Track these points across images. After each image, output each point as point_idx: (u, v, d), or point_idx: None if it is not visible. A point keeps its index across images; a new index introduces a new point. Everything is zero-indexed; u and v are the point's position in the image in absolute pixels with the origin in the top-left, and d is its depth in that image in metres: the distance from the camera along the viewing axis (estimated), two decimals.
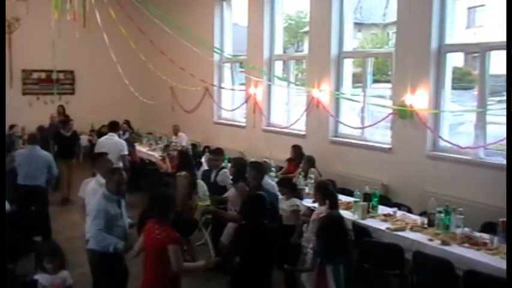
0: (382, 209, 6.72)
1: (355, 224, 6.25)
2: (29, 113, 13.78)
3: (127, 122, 13.39)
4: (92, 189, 5.88)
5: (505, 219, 5.29)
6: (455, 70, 8.49)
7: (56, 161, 8.90)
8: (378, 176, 8.44)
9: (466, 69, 9.94)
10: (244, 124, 12.29)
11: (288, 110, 11.26)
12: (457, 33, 8.07)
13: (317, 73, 9.96)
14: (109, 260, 5.11)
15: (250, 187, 6.46)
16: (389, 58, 9.02)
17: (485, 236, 5.57)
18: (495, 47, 7.14)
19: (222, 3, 13.21)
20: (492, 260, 5.02)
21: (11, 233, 6.17)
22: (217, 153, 8.25)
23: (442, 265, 5.12)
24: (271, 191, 6.49)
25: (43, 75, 15.33)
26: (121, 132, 11.07)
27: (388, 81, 9.65)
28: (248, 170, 6.76)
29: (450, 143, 7.69)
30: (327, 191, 5.93)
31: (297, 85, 11.65)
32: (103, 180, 5.63)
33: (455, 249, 5.34)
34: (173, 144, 11.63)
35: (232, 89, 12.95)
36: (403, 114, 8.16)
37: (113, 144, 9.17)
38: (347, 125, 9.59)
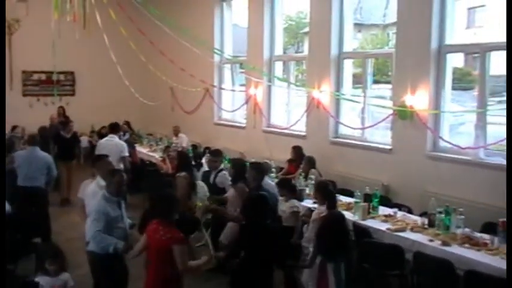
0: (383, 210, 6.72)
1: (355, 225, 6.24)
2: (29, 115, 13.77)
3: (127, 123, 13.41)
4: (92, 191, 5.88)
5: (505, 219, 5.30)
6: (456, 70, 8.49)
7: (56, 163, 8.89)
8: (378, 177, 8.43)
9: (466, 69, 9.94)
10: (244, 125, 12.29)
11: (288, 110, 11.26)
12: (457, 33, 8.07)
13: (317, 74, 9.96)
14: (109, 261, 5.11)
15: (250, 188, 6.45)
16: (390, 59, 9.02)
17: (486, 236, 5.57)
18: (495, 47, 7.14)
19: (222, 4, 13.22)
20: (492, 261, 5.02)
21: (11, 234, 6.17)
22: (215, 154, 8.24)
23: (442, 265, 5.12)
24: (271, 192, 6.48)
25: (43, 77, 15.32)
26: (121, 133, 11.07)
27: (388, 82, 9.66)
28: (248, 171, 6.76)
29: (450, 143, 7.68)
30: (326, 191, 5.93)
31: (297, 86, 11.65)
32: (103, 183, 5.63)
33: (455, 249, 5.34)
34: (173, 145, 11.63)
35: (233, 90, 12.95)
36: (403, 115, 8.16)
37: (113, 145, 9.17)
38: (347, 126, 9.59)
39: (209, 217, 7.32)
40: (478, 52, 7.54)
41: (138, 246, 4.97)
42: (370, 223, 6.29)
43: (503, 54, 6.52)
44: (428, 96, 7.88)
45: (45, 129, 11.80)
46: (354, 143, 9.34)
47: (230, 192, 6.78)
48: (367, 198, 6.77)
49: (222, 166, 8.20)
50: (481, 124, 7.35)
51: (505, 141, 5.92)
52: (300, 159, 8.92)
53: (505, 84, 5.15)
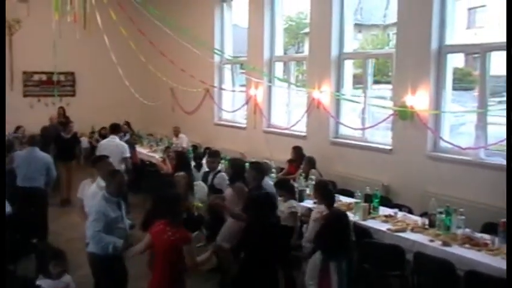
0: (383, 210, 6.72)
1: (356, 225, 6.22)
2: (29, 115, 13.77)
3: (127, 124, 13.40)
4: (92, 192, 5.88)
5: (505, 219, 5.29)
6: (456, 71, 8.49)
7: (55, 163, 8.89)
8: (378, 177, 8.43)
9: (466, 69, 9.95)
10: (244, 125, 12.29)
11: (289, 111, 11.26)
12: (457, 34, 8.07)
13: (317, 74, 9.96)
14: (108, 262, 5.11)
15: (250, 188, 6.44)
16: (390, 59, 9.01)
17: (486, 236, 5.57)
18: (496, 47, 7.13)
19: (222, 5, 13.21)
20: (493, 261, 5.01)
21: (11, 234, 6.16)
22: (213, 155, 8.22)
23: (443, 266, 5.12)
24: (271, 192, 6.47)
25: (44, 77, 15.33)
26: (122, 134, 11.06)
27: (388, 82, 9.66)
28: (248, 171, 6.75)
29: (451, 143, 7.67)
30: (325, 191, 5.94)
31: (297, 86, 11.64)
32: (104, 184, 5.62)
33: (456, 250, 5.33)
34: (174, 145, 11.63)
35: (233, 90, 12.95)
36: (403, 115, 8.15)
37: (114, 146, 9.17)
38: (348, 126, 9.58)
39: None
40: (478, 52, 7.53)
41: (140, 245, 4.97)
42: (370, 223, 6.28)
43: (503, 54, 6.49)
44: (429, 97, 7.87)
45: (47, 129, 11.83)
46: (354, 144, 9.33)
47: (228, 191, 6.74)
48: (368, 198, 6.76)
49: (220, 167, 8.19)
50: (482, 124, 7.34)
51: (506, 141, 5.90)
52: (300, 159, 8.92)
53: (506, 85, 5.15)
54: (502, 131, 6.85)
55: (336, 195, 6.91)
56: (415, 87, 8.00)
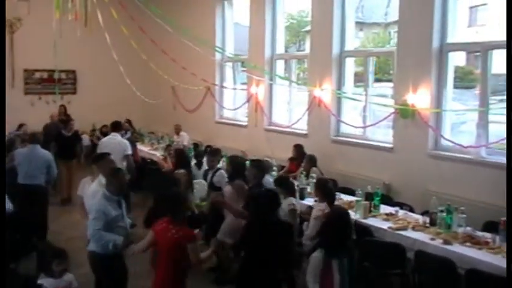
0: (384, 208, 6.72)
1: (357, 223, 6.23)
2: (30, 113, 13.73)
3: (129, 122, 13.41)
4: (93, 190, 5.85)
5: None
6: (457, 69, 8.48)
7: (56, 161, 8.88)
8: (379, 175, 8.43)
9: (467, 68, 9.94)
10: (246, 123, 12.29)
11: (290, 109, 11.26)
12: (458, 32, 8.06)
13: (319, 72, 9.95)
14: (109, 260, 5.10)
15: (250, 186, 6.44)
16: (391, 57, 9.01)
17: (487, 235, 5.58)
18: (497, 46, 7.12)
19: (224, 3, 13.20)
20: (494, 259, 5.02)
21: (11, 233, 6.16)
22: (212, 153, 8.20)
23: (444, 264, 5.12)
24: (273, 190, 6.46)
25: (45, 75, 15.31)
26: (123, 132, 11.06)
27: (389, 80, 9.65)
28: (249, 169, 6.74)
29: (452, 142, 7.67)
30: (326, 189, 5.93)
31: (298, 84, 11.64)
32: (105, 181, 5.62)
33: (457, 248, 5.34)
34: (175, 143, 11.64)
35: (234, 89, 12.95)
36: (404, 113, 8.15)
37: (116, 144, 9.12)
38: (349, 124, 9.58)
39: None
40: (479, 51, 7.52)
41: (143, 243, 4.97)
42: (371, 222, 6.29)
43: (504, 52, 6.49)
44: (430, 95, 7.87)
45: (48, 127, 11.82)
46: (355, 142, 9.33)
47: (227, 189, 6.72)
48: (369, 196, 6.77)
49: (220, 165, 8.19)
50: (483, 123, 7.34)
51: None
52: (301, 157, 8.92)
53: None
54: (503, 130, 6.81)
55: (337, 193, 6.92)
56: (416, 86, 8.00)
